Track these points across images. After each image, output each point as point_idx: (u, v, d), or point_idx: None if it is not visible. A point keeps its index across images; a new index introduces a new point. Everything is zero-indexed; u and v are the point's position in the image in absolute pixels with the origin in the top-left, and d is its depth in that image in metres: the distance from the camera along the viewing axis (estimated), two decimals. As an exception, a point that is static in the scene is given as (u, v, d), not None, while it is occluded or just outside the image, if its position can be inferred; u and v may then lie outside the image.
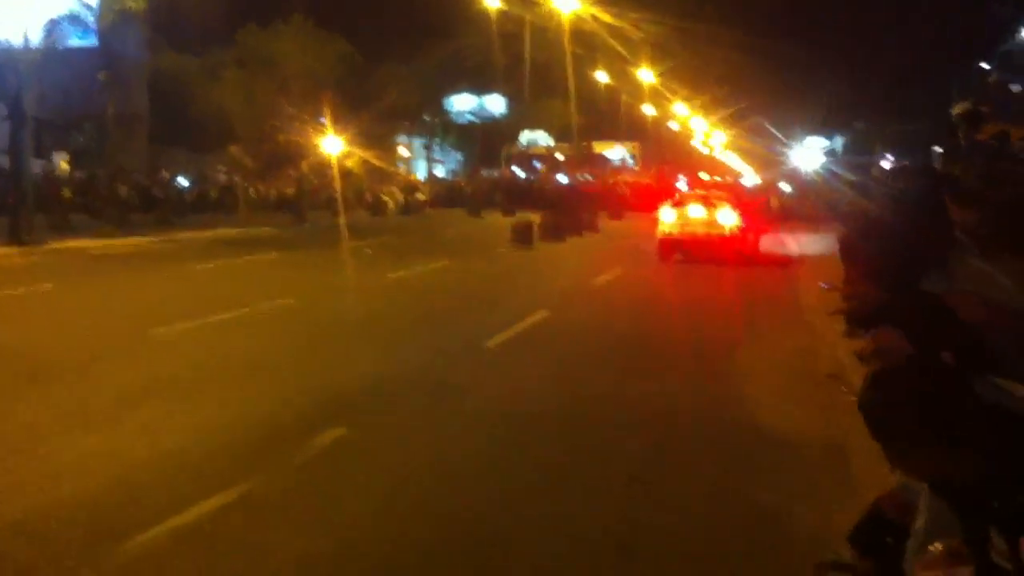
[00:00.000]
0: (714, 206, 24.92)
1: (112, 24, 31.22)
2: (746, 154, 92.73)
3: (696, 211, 24.90)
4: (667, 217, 25.22)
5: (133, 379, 9.84)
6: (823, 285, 13.24)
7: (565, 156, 66.75)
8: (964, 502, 2.51)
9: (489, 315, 14.70)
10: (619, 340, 13.17)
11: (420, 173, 67.24)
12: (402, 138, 64.89)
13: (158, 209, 36.62)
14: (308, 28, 38.98)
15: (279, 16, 39.14)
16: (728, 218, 24.55)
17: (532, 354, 11.85)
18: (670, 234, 24.82)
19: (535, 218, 31.96)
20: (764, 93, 72.23)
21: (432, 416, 8.74)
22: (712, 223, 24.48)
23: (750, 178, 77.36)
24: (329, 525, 5.98)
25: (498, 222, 37.68)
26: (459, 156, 75.61)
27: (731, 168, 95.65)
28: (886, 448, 2.63)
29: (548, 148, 69.26)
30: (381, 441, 7.88)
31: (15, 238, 23.93)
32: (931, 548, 2.78)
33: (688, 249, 24.35)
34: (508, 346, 12.23)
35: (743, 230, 24.77)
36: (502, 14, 50.59)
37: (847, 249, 8.75)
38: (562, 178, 57.02)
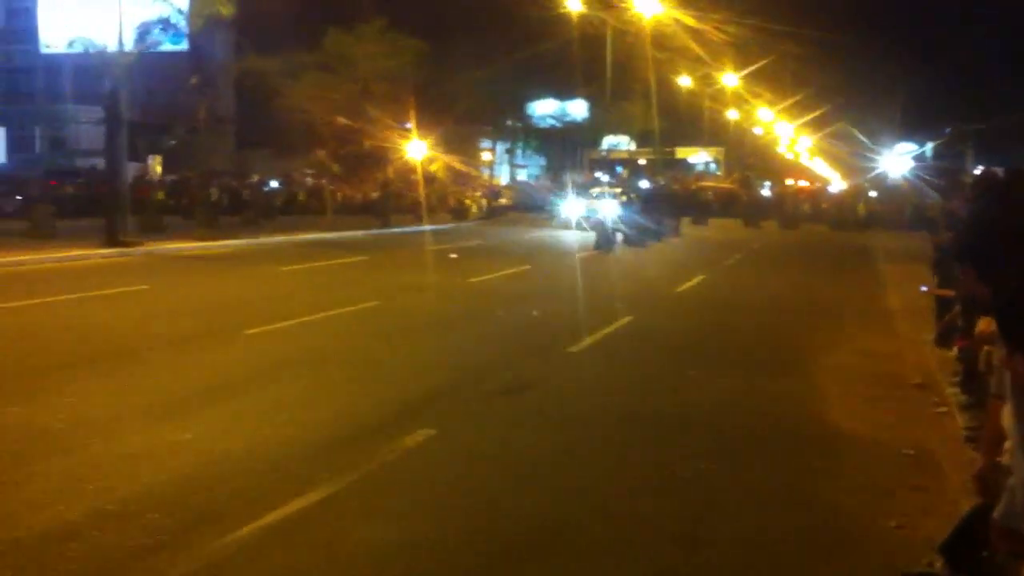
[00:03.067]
0: None
1: (202, 28, 31.97)
2: (832, 159, 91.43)
3: None
4: None
5: (227, 377, 10.13)
6: (922, 288, 13.07)
7: (647, 161, 66.54)
8: None
9: (572, 320, 14.77)
10: (703, 345, 13.15)
11: (503, 178, 67.53)
12: (485, 143, 65.25)
13: (247, 211, 37.35)
14: (390, 32, 39.44)
15: (361, 19, 39.63)
16: None
17: (615, 359, 11.89)
18: None
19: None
20: (851, 96, 71.16)
21: (516, 418, 8.84)
22: None
23: (837, 184, 76.28)
24: (417, 523, 6.09)
25: (580, 226, 37.69)
26: (541, 161, 75.75)
27: (818, 174, 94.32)
28: None
29: (630, 153, 69.08)
30: (466, 442, 8.00)
31: (111, 239, 24.57)
32: None
33: None
34: (591, 351, 12.29)
35: None
36: (583, 18, 50.57)
37: (961, 251, 8.75)
38: (644, 183, 56.83)
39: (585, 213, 38.17)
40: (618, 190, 44.78)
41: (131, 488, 6.51)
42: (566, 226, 38.38)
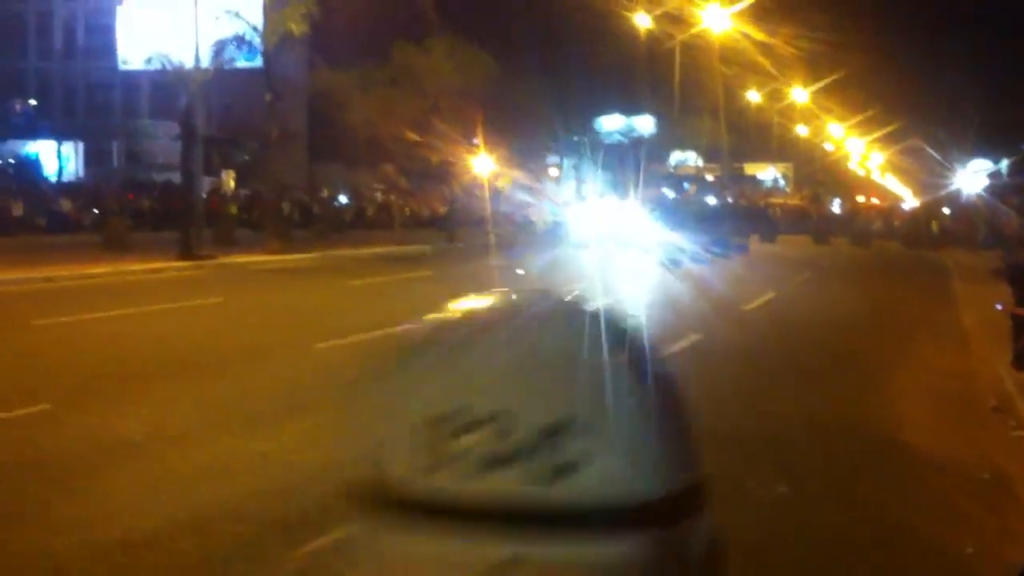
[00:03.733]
0: None
1: (275, 45, 32.53)
2: (904, 176, 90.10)
3: None
4: None
5: (299, 390, 10.26)
6: (998, 306, 12.83)
7: (714, 177, 66.16)
8: None
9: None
10: (771, 363, 13.01)
11: (569, 193, 67.49)
12: (551, 158, 65.39)
13: (318, 225, 37.82)
14: (459, 47, 39.73)
15: (431, 35, 39.99)
16: None
17: (685, 378, 11.78)
18: None
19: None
20: (924, 113, 70.11)
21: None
22: None
23: (910, 201, 75.18)
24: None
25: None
26: (607, 176, 75.62)
27: (889, 191, 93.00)
28: None
29: (697, 169, 68.73)
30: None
31: (186, 252, 25.02)
32: None
33: None
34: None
35: None
36: (651, 34, 50.48)
37: None
38: (711, 199, 56.51)
39: (605, 230, 34.75)
40: (636, 206, 40.25)
41: (206, 499, 6.63)
42: (582, 245, 34.38)
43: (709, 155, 64.00)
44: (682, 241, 32.09)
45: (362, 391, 0.90)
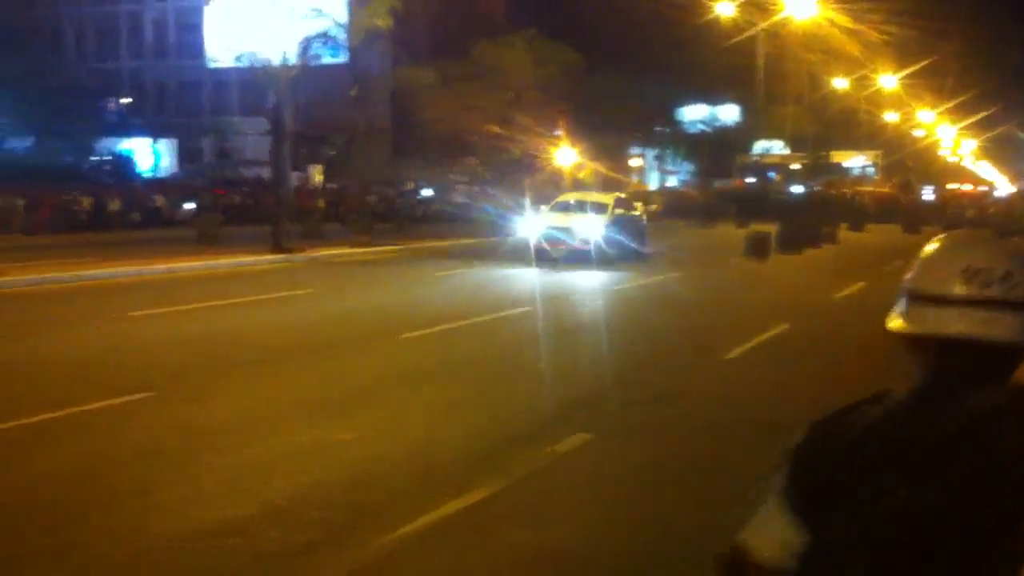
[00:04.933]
0: None
1: (361, 41, 32.94)
2: (999, 162, 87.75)
3: None
4: None
5: (387, 379, 10.45)
6: None
7: (800, 165, 65.15)
8: None
9: (726, 326, 14.62)
10: (862, 353, 12.82)
11: (652, 184, 67.20)
12: (634, 149, 65.05)
13: (402, 218, 38.18)
14: (539, 40, 39.75)
15: (511, 29, 40.05)
16: None
17: (772, 366, 11.72)
18: None
19: (771, 229, 31.32)
20: (1019, 97, 68.10)
21: (669, 427, 8.81)
22: None
23: (1005, 188, 73.25)
24: (568, 529, 6.17)
25: (731, 233, 37.11)
26: (690, 166, 75.04)
27: (982, 178, 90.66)
28: None
29: (783, 157, 67.69)
30: (618, 449, 8.02)
31: (277, 246, 25.46)
32: None
33: None
34: (747, 358, 12.16)
35: None
36: (734, 22, 49.88)
37: None
38: (797, 188, 55.71)
39: (546, 232, 26.18)
40: (609, 201, 31.67)
41: (294, 486, 6.76)
42: (516, 256, 25.43)
43: (795, 143, 62.98)
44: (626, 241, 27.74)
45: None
